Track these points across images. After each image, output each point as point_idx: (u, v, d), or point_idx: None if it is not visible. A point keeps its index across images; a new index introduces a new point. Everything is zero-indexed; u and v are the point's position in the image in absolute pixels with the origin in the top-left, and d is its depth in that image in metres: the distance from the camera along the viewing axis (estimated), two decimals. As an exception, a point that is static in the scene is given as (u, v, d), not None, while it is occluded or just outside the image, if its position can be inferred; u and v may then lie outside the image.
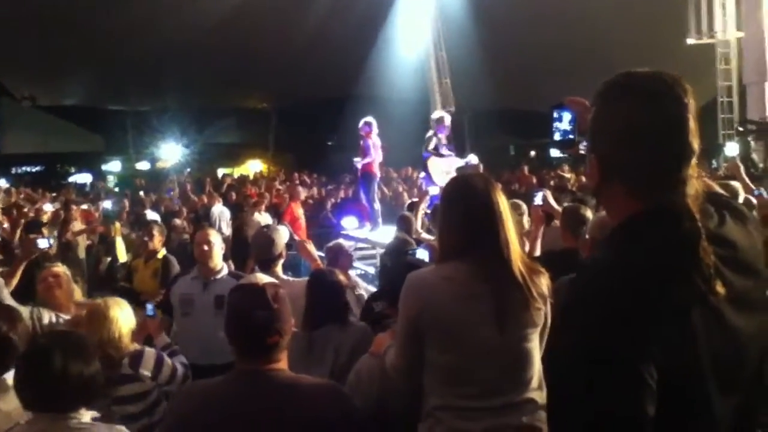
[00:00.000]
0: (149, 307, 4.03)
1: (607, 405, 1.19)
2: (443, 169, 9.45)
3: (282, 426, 1.99)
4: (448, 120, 9.71)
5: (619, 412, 1.19)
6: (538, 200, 4.90)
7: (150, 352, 3.44)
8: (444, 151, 9.47)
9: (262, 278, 2.19)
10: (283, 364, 2.10)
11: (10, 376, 2.56)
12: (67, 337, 2.45)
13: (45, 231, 8.54)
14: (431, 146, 9.48)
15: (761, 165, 9.65)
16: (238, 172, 26.71)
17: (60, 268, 4.39)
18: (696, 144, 1.35)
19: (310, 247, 4.66)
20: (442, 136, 9.51)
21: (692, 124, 1.34)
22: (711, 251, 1.28)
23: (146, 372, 3.40)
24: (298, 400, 2.03)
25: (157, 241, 6.27)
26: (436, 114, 9.79)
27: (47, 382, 2.27)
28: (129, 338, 3.43)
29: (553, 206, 5.01)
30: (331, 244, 5.36)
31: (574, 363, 1.25)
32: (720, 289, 1.27)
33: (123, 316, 3.42)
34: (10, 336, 2.77)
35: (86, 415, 2.34)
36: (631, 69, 1.41)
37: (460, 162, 9.45)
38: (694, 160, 1.35)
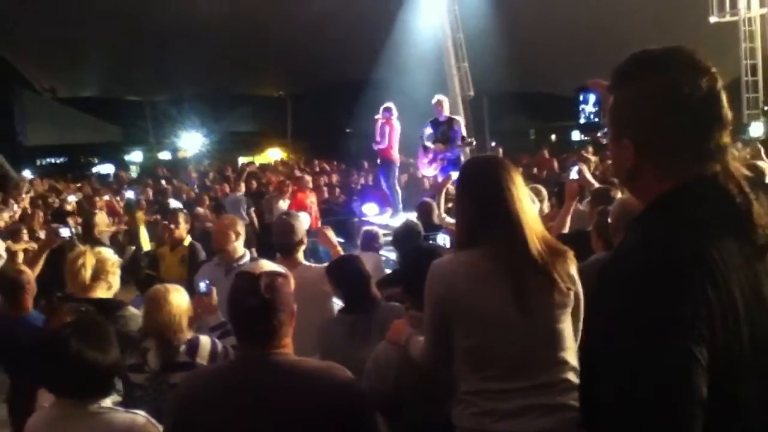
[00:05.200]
0: (202, 284, 3.88)
1: (660, 387, 1.15)
2: (426, 160, 9.74)
3: (282, 409, 2.01)
4: (444, 102, 9.70)
5: (674, 396, 1.15)
6: (573, 174, 4.82)
7: (205, 341, 3.40)
8: (430, 143, 9.58)
9: (265, 266, 2.21)
10: (286, 349, 2.12)
11: None
12: (86, 325, 2.48)
13: (70, 221, 8.67)
14: (425, 135, 9.66)
15: (787, 144, 9.47)
16: (258, 160, 26.79)
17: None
18: (729, 113, 1.34)
19: (330, 233, 4.68)
20: (438, 120, 9.57)
21: (724, 93, 1.33)
22: (764, 213, 1.26)
23: (202, 361, 3.34)
24: (298, 383, 2.05)
25: (183, 229, 6.31)
26: (433, 99, 9.80)
27: (62, 368, 2.30)
28: (187, 324, 3.38)
29: (590, 180, 4.95)
30: (368, 228, 5.44)
31: (620, 346, 1.20)
32: None
33: (181, 301, 3.38)
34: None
35: (107, 400, 2.37)
36: (645, 48, 1.39)
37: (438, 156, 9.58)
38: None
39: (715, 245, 1.23)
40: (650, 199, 1.37)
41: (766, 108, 11.16)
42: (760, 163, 5.95)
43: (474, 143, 10.17)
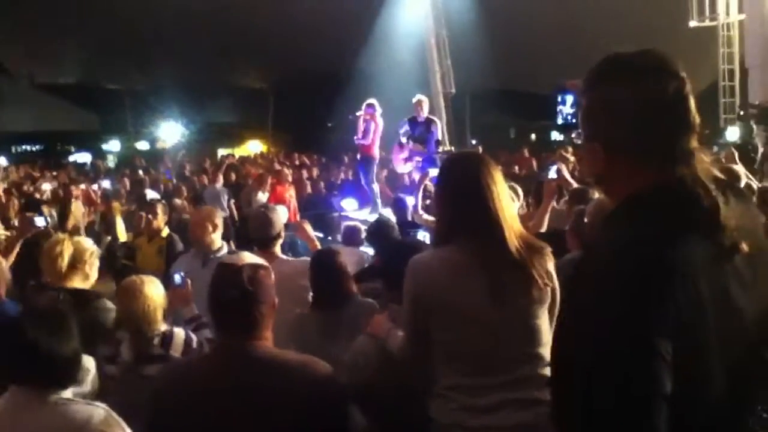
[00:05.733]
0: (177, 276, 3.84)
1: (624, 382, 1.17)
2: (402, 156, 10.00)
3: (259, 400, 2.01)
4: (425, 103, 9.91)
5: (638, 388, 1.17)
6: (552, 173, 4.86)
7: (180, 333, 3.37)
8: (405, 140, 9.86)
9: (247, 258, 2.21)
10: (266, 341, 2.12)
11: None
12: (46, 313, 2.44)
13: (45, 209, 8.55)
14: (401, 131, 9.89)
15: (762, 149, 9.62)
16: (238, 152, 26.66)
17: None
18: (698, 117, 1.36)
19: (307, 227, 4.67)
20: (417, 120, 9.81)
21: (692, 96, 1.35)
22: (731, 216, 1.28)
23: (176, 353, 3.32)
24: (276, 374, 2.05)
25: (161, 220, 6.27)
26: (414, 98, 10.01)
27: (17, 355, 2.27)
28: (161, 316, 3.36)
29: (568, 180, 4.98)
30: (350, 223, 5.46)
31: (585, 341, 1.23)
32: (745, 246, 1.28)
33: (156, 293, 3.34)
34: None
35: (67, 392, 2.33)
36: (616, 51, 1.41)
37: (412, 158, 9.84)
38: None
39: (683, 245, 1.25)
40: (620, 200, 1.39)
41: (742, 113, 11.32)
42: (734, 166, 6.04)
43: (452, 150, 10.44)
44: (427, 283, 2.24)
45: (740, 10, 13.67)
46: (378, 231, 5.15)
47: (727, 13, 14.11)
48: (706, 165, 1.38)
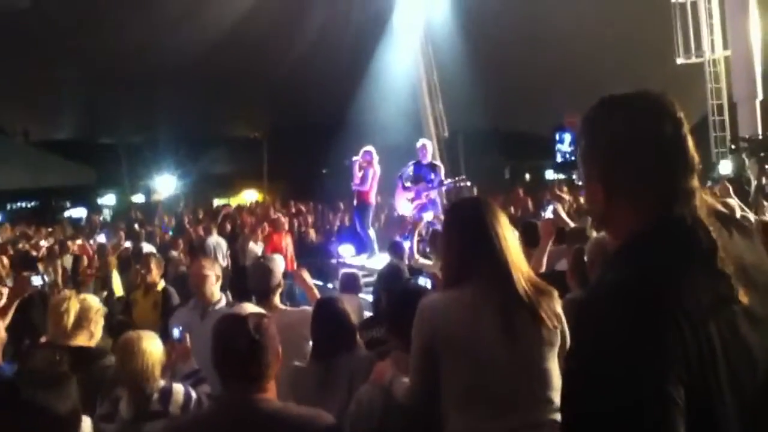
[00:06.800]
0: (176, 330, 3.80)
1: (639, 430, 1.14)
2: (407, 197, 10.22)
3: None
4: (429, 147, 10.40)
5: None
6: (548, 213, 4.86)
7: (179, 389, 3.32)
8: (410, 183, 10.17)
9: (249, 309, 2.22)
10: (270, 393, 2.10)
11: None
12: (43, 372, 2.40)
13: (40, 266, 8.51)
14: (405, 175, 10.22)
15: (755, 182, 9.67)
16: (234, 201, 26.68)
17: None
18: (696, 157, 1.36)
19: (306, 275, 4.64)
20: (422, 163, 10.19)
21: (690, 136, 1.35)
22: (730, 260, 1.26)
23: (175, 410, 3.26)
24: (282, 429, 2.03)
25: (156, 273, 6.24)
26: (419, 142, 10.45)
27: (12, 414, 2.21)
28: (159, 372, 3.30)
29: (565, 219, 4.98)
30: (347, 271, 5.43)
31: (596, 389, 1.19)
32: (743, 297, 1.25)
33: (155, 349, 3.29)
34: None
35: None
36: (612, 93, 1.42)
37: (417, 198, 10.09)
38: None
39: (689, 286, 1.23)
40: (622, 240, 1.38)
41: (733, 146, 11.43)
42: (729, 200, 6.05)
43: (465, 178, 10.97)
44: (439, 325, 2.24)
45: (725, 47, 13.91)
46: (389, 276, 5.13)
47: (713, 50, 14.35)
48: (707, 203, 1.38)
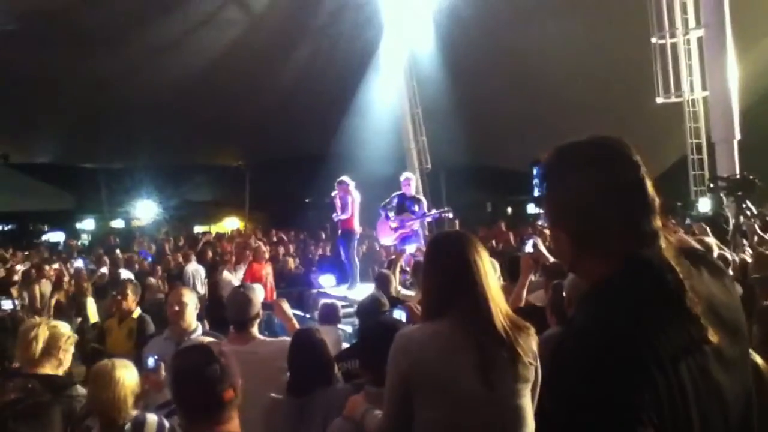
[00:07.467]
0: (150, 360, 3.74)
1: None
2: (390, 225, 10.35)
3: None
4: (412, 180, 10.58)
5: None
6: (528, 248, 4.87)
7: (152, 419, 3.23)
8: (392, 214, 10.33)
9: (204, 339, 2.18)
10: (232, 425, 2.05)
11: None
12: (26, 405, 2.35)
13: (14, 291, 8.36)
14: (389, 206, 10.36)
15: (733, 220, 9.78)
16: (215, 230, 26.54)
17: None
18: (657, 198, 1.37)
19: (285, 306, 4.59)
20: (406, 195, 10.36)
21: (648, 179, 1.37)
22: (699, 300, 1.27)
23: None
24: None
25: (131, 301, 6.13)
26: (402, 175, 10.60)
27: None
28: (133, 402, 3.22)
29: (545, 254, 4.99)
30: (327, 302, 5.38)
31: (569, 423, 1.20)
32: (713, 336, 1.26)
33: (129, 378, 3.22)
34: None
35: None
36: (570, 140, 1.44)
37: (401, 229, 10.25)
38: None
39: (658, 328, 1.24)
40: (591, 282, 1.39)
41: (711, 185, 11.59)
42: (706, 239, 6.10)
43: (449, 209, 11.32)
44: (416, 358, 2.22)
45: (703, 87, 14.16)
46: (370, 308, 5.07)
47: (692, 90, 14.59)
48: (676, 242, 1.39)
